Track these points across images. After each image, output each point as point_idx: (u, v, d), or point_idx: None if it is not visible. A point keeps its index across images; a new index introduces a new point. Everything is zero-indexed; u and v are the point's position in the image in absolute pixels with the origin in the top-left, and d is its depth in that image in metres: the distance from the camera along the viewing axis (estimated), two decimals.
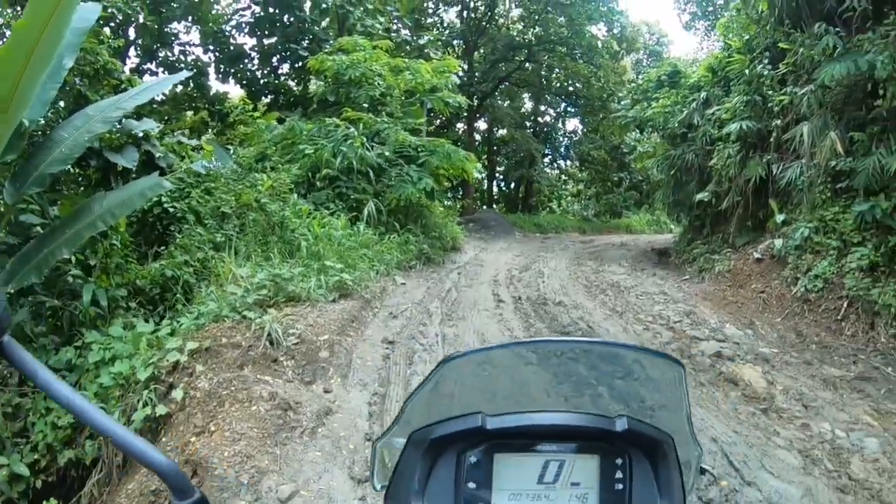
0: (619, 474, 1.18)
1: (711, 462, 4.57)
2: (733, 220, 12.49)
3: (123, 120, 7.68)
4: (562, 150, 37.07)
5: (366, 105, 14.30)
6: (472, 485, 1.16)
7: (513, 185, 35.28)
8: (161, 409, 4.96)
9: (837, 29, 9.30)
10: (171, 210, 8.37)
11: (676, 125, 14.50)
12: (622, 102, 19.84)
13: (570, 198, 37.35)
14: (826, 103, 9.54)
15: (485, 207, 31.40)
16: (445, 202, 17.40)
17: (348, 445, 4.61)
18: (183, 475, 0.64)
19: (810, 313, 8.83)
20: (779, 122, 11.13)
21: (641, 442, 1.19)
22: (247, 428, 4.52)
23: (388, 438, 1.28)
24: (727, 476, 4.42)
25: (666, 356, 1.34)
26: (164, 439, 4.77)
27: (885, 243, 8.29)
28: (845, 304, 8.45)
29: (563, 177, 38.35)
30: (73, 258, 6.39)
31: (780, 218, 10.80)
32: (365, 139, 12.48)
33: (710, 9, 29.51)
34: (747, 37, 12.77)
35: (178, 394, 5.02)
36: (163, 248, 8.30)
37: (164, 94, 20.87)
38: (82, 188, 8.29)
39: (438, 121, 27.50)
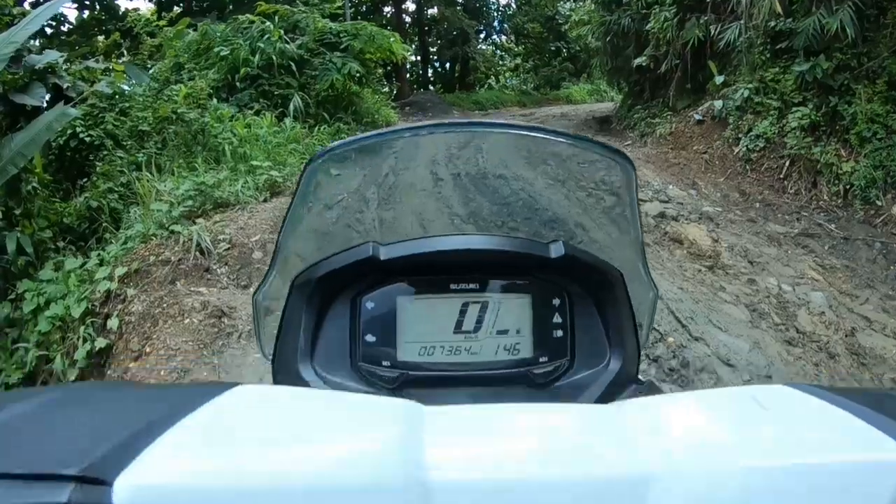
0: (556, 318, 0.97)
1: (658, 318, 4.52)
2: (673, 84, 12.35)
3: (25, 56, 7.22)
4: (496, 25, 36.30)
5: None
6: (371, 337, 0.95)
7: (448, 66, 34.56)
8: (101, 343, 4.76)
9: None
10: (88, 139, 7.90)
11: None
12: None
13: (508, 73, 36.76)
14: None
15: (421, 90, 30.72)
16: (379, 89, 16.84)
17: None
18: None
19: (753, 172, 8.88)
20: None
21: (583, 275, 0.98)
22: (182, 342, 4.37)
23: (267, 287, 1.05)
24: (674, 332, 4.42)
25: (611, 148, 1.07)
26: (108, 371, 4.61)
27: (825, 103, 8.37)
28: (787, 163, 8.55)
29: (500, 52, 37.68)
30: None
31: (719, 80, 10.69)
32: (282, 32, 11.88)
33: None
34: None
35: (113, 323, 4.83)
36: (86, 180, 7.91)
37: (70, 22, 19.68)
38: None
39: (364, 6, 26.50)
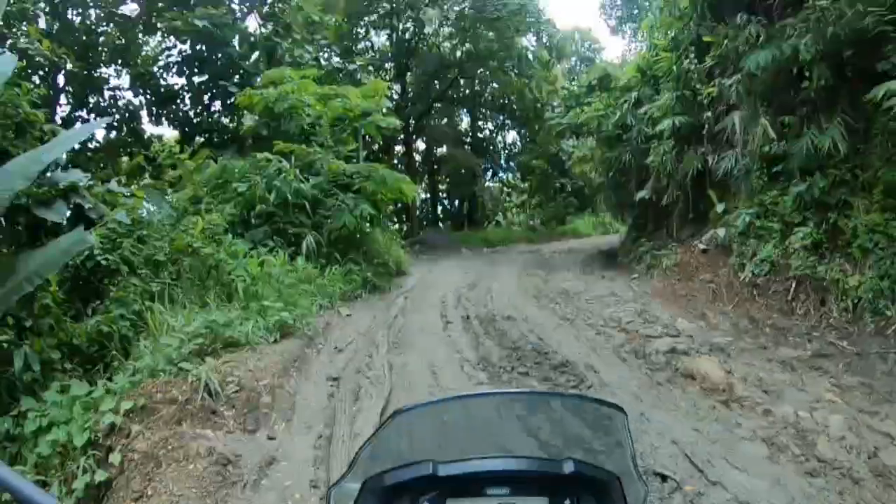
0: None
1: (674, 466, 4.44)
2: (675, 215, 12.62)
3: (51, 172, 7.43)
4: (502, 162, 37.22)
5: (298, 136, 14.06)
6: None
7: (457, 203, 35.27)
8: (101, 475, 4.65)
9: (759, 17, 9.51)
10: (104, 262, 7.97)
11: (611, 127, 14.67)
12: (556, 110, 19.98)
13: (514, 209, 37.43)
14: (754, 91, 9.69)
15: (430, 228, 31.22)
16: (389, 227, 17.15)
17: (294, 495, 4.35)
18: None
19: (760, 297, 8.89)
20: (710, 114, 11.31)
21: (589, 483, 1.23)
22: (185, 488, 4.26)
23: (342, 485, 1.27)
24: (690, 479, 4.29)
25: (609, 404, 1.46)
26: None
27: (825, 220, 8.42)
28: (794, 285, 8.54)
29: (506, 189, 38.47)
30: (9, 322, 6.02)
31: (720, 207, 10.91)
32: (298, 171, 12.24)
33: (636, 11, 30.11)
34: (672, 34, 12.88)
35: (115, 457, 4.73)
36: (99, 302, 7.91)
37: (98, 141, 20.46)
38: (13, 246, 7.92)
39: (376, 146, 27.40)
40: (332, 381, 6.59)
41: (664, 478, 4.29)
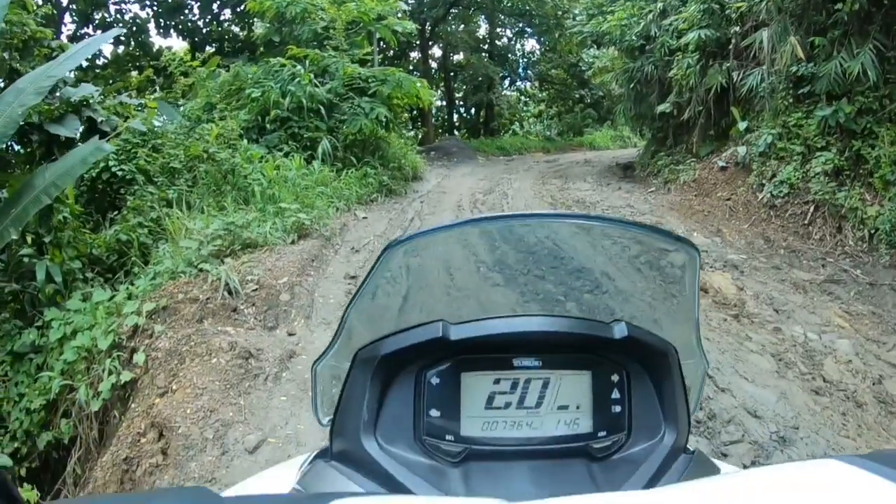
0: (615, 394, 0.99)
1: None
2: (696, 130, 12.41)
3: (61, 88, 7.46)
4: (520, 71, 36.52)
5: (311, 41, 13.84)
6: (435, 412, 0.96)
7: (473, 111, 34.81)
8: (126, 376, 4.82)
9: None
10: (120, 173, 8.05)
11: (634, 38, 14.25)
12: (577, 18, 19.43)
13: (531, 119, 36.92)
14: (785, 9, 9.38)
15: (446, 135, 30.95)
16: (405, 133, 17.03)
17: None
18: None
19: (777, 219, 8.85)
20: (737, 29, 10.98)
21: (642, 353, 1.00)
22: (208, 382, 4.40)
23: (329, 359, 1.07)
24: None
25: (680, 238, 1.11)
26: (132, 405, 4.65)
27: (849, 147, 8.33)
28: (812, 209, 8.50)
29: (524, 98, 37.92)
30: (28, 238, 6.18)
31: (742, 125, 10.73)
32: (312, 76, 12.11)
33: None
34: None
35: (139, 357, 4.88)
36: (116, 213, 8.05)
37: (105, 56, 20.26)
38: (28, 165, 7.96)
39: (391, 52, 26.90)
40: (349, 278, 6.71)
41: None
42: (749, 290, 6.46)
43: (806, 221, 8.47)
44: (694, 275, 1.10)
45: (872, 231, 7.57)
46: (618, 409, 0.98)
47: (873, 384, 4.65)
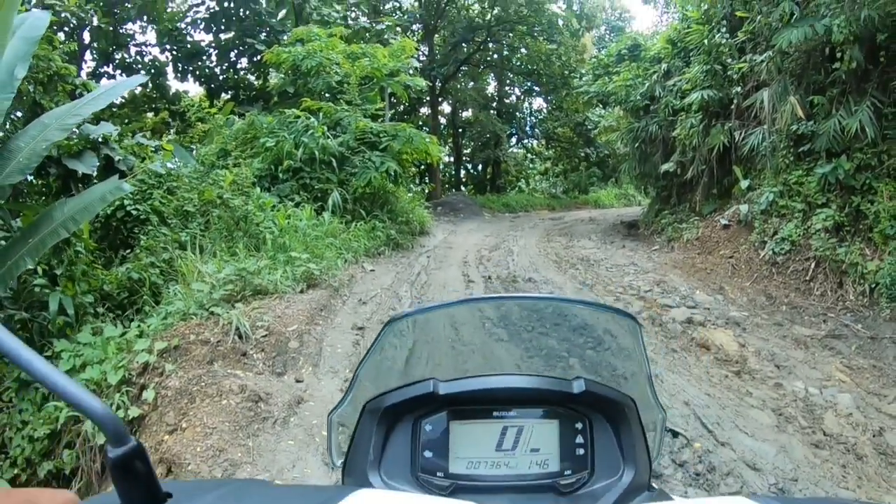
0: (579, 439, 1.18)
1: (684, 425, 4.59)
2: (699, 189, 12.60)
3: (81, 125, 7.59)
4: (527, 129, 37.00)
5: (325, 94, 14.18)
6: (428, 453, 1.15)
7: (480, 167, 35.21)
8: (134, 412, 4.88)
9: None
10: (135, 212, 8.22)
11: (638, 98, 14.57)
12: (584, 78, 19.83)
13: (537, 176, 37.34)
14: (785, 69, 9.63)
15: (453, 191, 31.30)
16: (413, 188, 17.27)
17: (321, 433, 4.56)
18: (119, 422, 0.61)
19: (779, 276, 8.94)
20: (739, 89, 11.22)
21: (601, 405, 1.19)
22: (218, 422, 4.46)
23: (342, 410, 1.27)
24: (700, 438, 4.44)
25: (619, 311, 1.34)
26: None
27: (848, 203, 8.44)
28: (813, 265, 8.58)
29: (530, 156, 38.35)
30: (39, 268, 6.26)
31: (744, 184, 10.91)
32: (326, 128, 12.35)
33: None
34: (705, 6, 12.77)
35: (149, 394, 4.95)
36: (129, 251, 8.18)
37: (123, 96, 20.61)
38: (44, 198, 8.14)
39: (402, 106, 27.36)
40: (357, 329, 6.77)
41: (675, 434, 4.45)
42: (751, 346, 6.52)
43: (807, 277, 8.54)
44: (638, 339, 1.32)
45: (873, 285, 7.64)
46: (581, 451, 1.17)
47: (874, 436, 4.69)
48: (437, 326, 1.43)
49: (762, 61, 9.87)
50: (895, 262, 7.44)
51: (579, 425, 1.17)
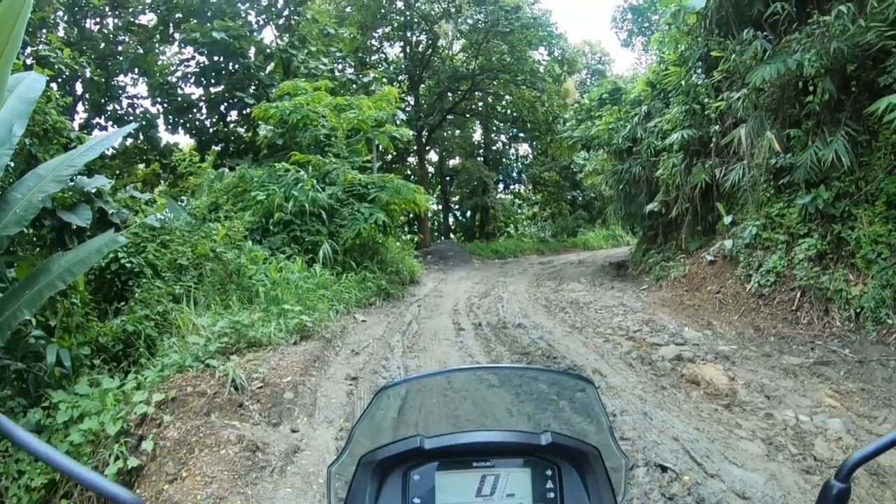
0: (549, 484, 1.30)
1: (674, 460, 4.64)
2: (684, 227, 12.78)
3: (75, 178, 7.69)
4: (514, 174, 37.43)
5: (313, 147, 14.40)
6: (417, 501, 1.27)
7: (468, 214, 35.45)
8: (133, 462, 4.91)
9: (765, 33, 9.65)
10: (129, 265, 8.32)
11: (621, 140, 14.85)
12: (567, 123, 20.18)
13: (526, 221, 37.57)
14: (760, 105, 9.86)
15: (442, 239, 31.47)
16: (402, 237, 17.42)
17: (318, 480, 4.61)
18: None
19: (766, 307, 9.04)
20: (717, 127, 11.50)
21: (568, 454, 1.31)
22: (217, 471, 4.50)
23: (340, 464, 1.35)
24: (689, 471, 4.48)
25: (576, 376, 1.52)
26: (138, 490, 4.71)
27: (830, 232, 8.58)
28: (799, 294, 8.69)
29: (518, 201, 38.66)
30: (34, 320, 6.31)
31: (728, 219, 11.10)
32: (315, 181, 12.52)
33: (646, 24, 30.35)
34: (681, 49, 13.10)
35: (148, 445, 4.98)
36: (123, 303, 8.25)
37: (114, 148, 20.78)
38: (38, 249, 8.20)
39: (390, 156, 27.69)
40: (350, 380, 6.82)
41: (664, 469, 4.50)
42: (740, 379, 6.59)
43: (794, 307, 8.63)
44: (596, 397, 1.45)
45: (858, 310, 7.74)
46: (552, 495, 1.29)
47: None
48: (424, 390, 1.55)
49: (738, 99, 10.11)
50: (878, 286, 7.56)
51: (549, 472, 1.30)
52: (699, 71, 12.22)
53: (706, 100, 11.82)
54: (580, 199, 32.88)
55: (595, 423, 1.48)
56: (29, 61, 14.31)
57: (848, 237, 8.30)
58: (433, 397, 1.57)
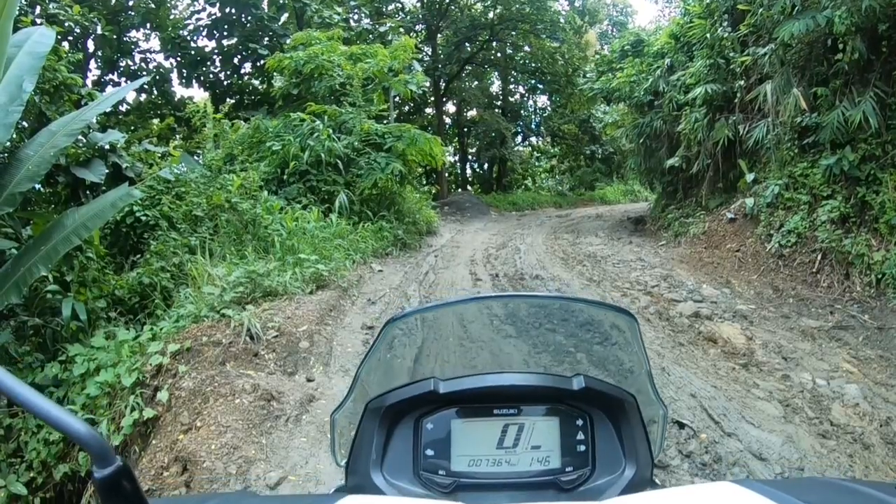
0: (580, 435, 1.19)
1: (691, 417, 4.62)
2: (705, 183, 12.61)
3: (88, 133, 7.69)
4: (532, 127, 37.03)
5: (328, 97, 14.26)
6: (430, 452, 1.17)
7: (486, 166, 35.18)
8: (148, 413, 4.95)
9: None
10: (144, 218, 8.31)
11: (642, 93, 14.57)
12: (587, 75, 19.86)
13: (543, 174, 37.31)
14: (787, 61, 9.62)
15: (459, 190, 31.32)
16: (419, 188, 17.32)
17: None
18: (104, 442, 0.61)
19: (785, 268, 8.93)
20: (742, 83, 11.24)
21: (601, 401, 1.21)
22: (232, 421, 4.53)
23: (344, 409, 1.29)
24: (707, 429, 4.46)
25: (617, 308, 1.37)
26: (153, 441, 4.76)
27: (854, 195, 8.41)
28: (819, 257, 8.56)
29: (536, 153, 38.35)
30: (50, 275, 6.32)
31: (750, 177, 10.91)
32: (331, 131, 12.43)
33: None
34: (707, 1, 12.77)
35: (163, 395, 5.01)
36: (139, 256, 8.27)
37: (128, 103, 20.76)
38: (53, 206, 8.20)
39: (407, 107, 27.40)
40: (366, 329, 6.82)
41: (681, 425, 4.48)
42: (758, 339, 6.53)
43: (814, 270, 8.53)
44: (636, 335, 1.33)
45: (879, 276, 7.61)
46: (582, 448, 1.18)
47: (881, 426, 4.69)
48: (445, 325, 1.43)
49: (765, 54, 9.89)
50: None
51: (580, 422, 1.19)
52: (725, 24, 11.91)
53: (731, 54, 11.57)
54: (599, 153, 32.53)
55: (633, 366, 1.38)
56: (39, 21, 14.17)
57: (872, 201, 8.13)
58: (457, 332, 1.46)
